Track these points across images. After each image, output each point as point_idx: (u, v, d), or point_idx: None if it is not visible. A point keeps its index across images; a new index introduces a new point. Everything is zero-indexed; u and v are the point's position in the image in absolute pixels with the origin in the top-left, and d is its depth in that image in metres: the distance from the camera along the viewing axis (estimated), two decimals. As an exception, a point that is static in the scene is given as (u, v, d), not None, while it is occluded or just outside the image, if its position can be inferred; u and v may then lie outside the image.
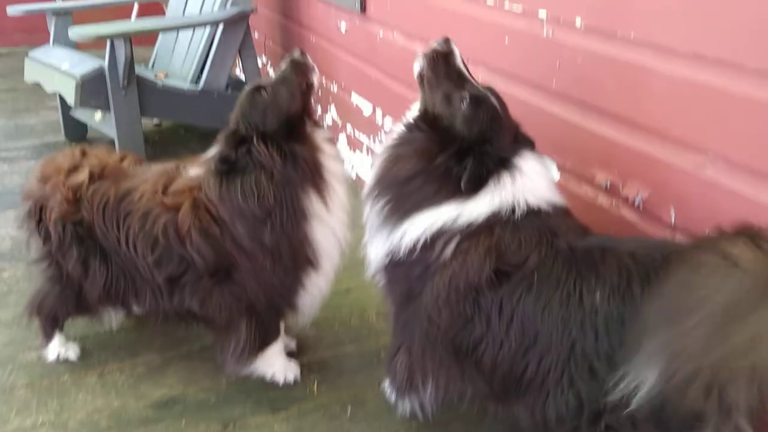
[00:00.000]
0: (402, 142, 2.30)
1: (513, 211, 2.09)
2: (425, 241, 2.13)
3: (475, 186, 2.12)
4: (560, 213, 2.17)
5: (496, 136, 2.18)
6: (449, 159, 2.15)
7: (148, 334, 3.11)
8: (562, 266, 1.96)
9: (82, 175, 2.65)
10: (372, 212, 2.31)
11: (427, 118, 2.28)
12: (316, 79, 2.57)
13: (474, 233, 2.08)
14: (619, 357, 1.80)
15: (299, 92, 2.51)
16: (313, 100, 2.63)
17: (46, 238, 2.67)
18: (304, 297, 2.65)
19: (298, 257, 2.53)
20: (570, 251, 1.99)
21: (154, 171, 2.68)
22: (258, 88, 2.50)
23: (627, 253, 1.90)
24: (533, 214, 2.10)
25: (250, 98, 2.49)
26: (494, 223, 2.08)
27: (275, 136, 2.45)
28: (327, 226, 2.55)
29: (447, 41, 2.31)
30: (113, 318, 2.90)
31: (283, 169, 2.42)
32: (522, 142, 2.27)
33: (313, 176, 2.49)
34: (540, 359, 1.96)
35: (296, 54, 2.56)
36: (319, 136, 2.58)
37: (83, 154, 2.79)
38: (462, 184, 2.11)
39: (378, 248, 2.30)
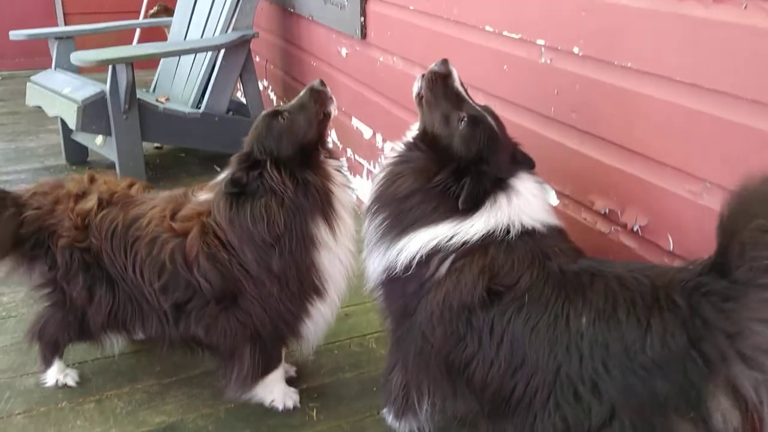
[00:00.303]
0: (401, 161, 2.33)
1: (507, 231, 2.10)
2: (421, 258, 2.15)
3: (472, 205, 2.13)
4: (554, 234, 2.18)
5: (493, 156, 2.20)
6: (447, 178, 2.18)
7: (146, 359, 3.10)
8: (552, 288, 1.97)
9: (91, 202, 2.66)
10: (370, 228, 2.33)
11: (425, 138, 2.31)
12: (333, 109, 2.57)
13: (468, 252, 2.10)
14: (603, 383, 1.81)
15: (316, 120, 2.52)
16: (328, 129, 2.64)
17: (52, 265, 2.66)
18: (308, 325, 2.64)
19: (305, 284, 2.53)
20: (560, 273, 2.00)
21: (163, 197, 2.69)
22: (275, 114, 2.50)
23: (614, 278, 1.91)
24: (527, 234, 2.11)
25: (266, 123, 2.50)
26: (489, 242, 2.09)
27: (289, 163, 2.45)
28: (334, 255, 2.55)
29: (445, 62, 2.34)
30: (115, 344, 2.89)
31: (294, 196, 2.42)
32: (521, 161, 2.29)
33: (323, 205, 2.49)
34: (528, 380, 1.97)
35: (316, 83, 2.57)
36: (332, 165, 2.58)
37: (91, 180, 2.80)
38: (459, 203, 2.13)
39: (376, 263, 2.31)
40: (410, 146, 2.35)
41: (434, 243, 2.14)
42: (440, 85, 2.31)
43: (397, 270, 2.20)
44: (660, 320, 1.77)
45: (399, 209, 2.24)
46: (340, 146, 4.78)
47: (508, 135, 2.31)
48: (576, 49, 2.50)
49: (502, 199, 2.15)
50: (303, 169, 2.47)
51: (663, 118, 2.22)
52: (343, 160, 2.68)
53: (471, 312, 2.05)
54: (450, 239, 2.12)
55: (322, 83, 2.58)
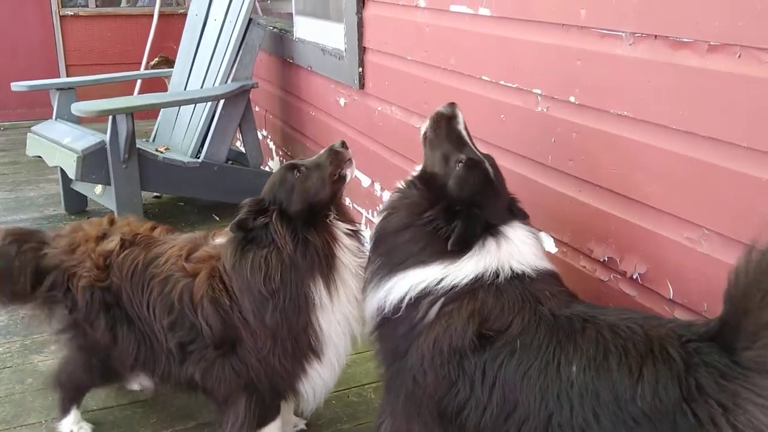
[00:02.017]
0: (398, 197, 2.35)
1: (497, 275, 2.08)
2: (410, 300, 2.13)
3: (462, 248, 2.12)
4: (546, 278, 2.15)
5: (487, 201, 2.20)
6: (437, 216, 2.17)
7: (143, 411, 3.07)
8: (544, 333, 1.94)
9: (113, 242, 2.67)
10: (368, 267, 2.33)
11: (424, 177, 2.32)
12: (350, 172, 2.54)
13: (458, 296, 2.08)
14: None
15: (330, 181, 2.49)
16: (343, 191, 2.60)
17: (73, 307, 2.66)
18: (306, 384, 2.60)
19: (300, 343, 2.49)
20: (552, 318, 1.97)
21: (183, 238, 2.70)
22: (293, 166, 2.49)
23: (607, 325, 1.88)
24: (517, 279, 2.09)
25: (282, 174, 2.49)
26: (478, 286, 2.07)
27: (294, 219, 2.43)
28: (333, 318, 2.50)
29: (452, 105, 2.37)
30: (141, 385, 2.88)
31: (293, 254, 2.40)
32: (516, 214, 2.29)
33: (322, 267, 2.44)
34: (519, 427, 1.92)
35: (337, 144, 2.54)
36: (341, 228, 2.54)
37: (111, 222, 2.82)
38: (449, 245, 2.11)
39: (371, 303, 2.29)
40: (409, 184, 2.36)
41: (423, 285, 2.12)
42: (444, 126, 2.33)
43: (387, 311, 2.18)
44: (653, 370, 1.74)
45: (390, 245, 2.24)
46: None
47: (505, 186, 2.31)
48: (572, 98, 2.52)
49: (491, 244, 2.14)
50: (307, 228, 2.44)
51: (660, 166, 2.22)
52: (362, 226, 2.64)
53: (462, 356, 2.02)
54: (439, 282, 2.11)
55: (344, 144, 2.55)
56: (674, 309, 2.26)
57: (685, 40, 2.08)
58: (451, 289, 2.09)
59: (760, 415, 1.59)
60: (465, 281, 2.09)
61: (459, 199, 2.19)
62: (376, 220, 2.38)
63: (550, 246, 2.77)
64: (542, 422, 1.88)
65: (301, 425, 2.97)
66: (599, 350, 1.83)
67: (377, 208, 4.19)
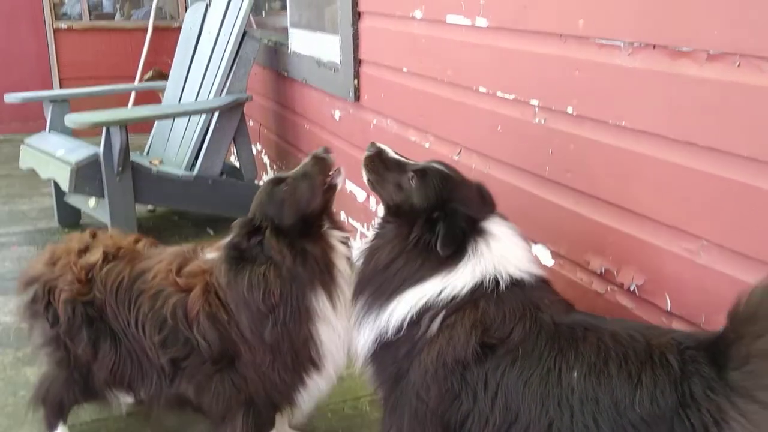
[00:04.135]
0: (375, 238, 2.34)
1: (497, 283, 2.07)
2: (412, 317, 2.12)
3: (452, 245, 2.11)
4: (542, 285, 2.15)
5: (457, 195, 2.21)
6: (421, 232, 2.17)
7: (135, 425, 3.03)
8: (545, 341, 1.94)
9: (96, 256, 2.63)
10: (357, 306, 2.31)
11: (390, 212, 2.33)
12: (340, 180, 2.52)
13: (459, 307, 2.07)
14: None
15: (320, 190, 2.46)
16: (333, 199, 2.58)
17: (54, 321, 2.61)
18: (303, 395, 2.57)
19: (300, 356, 2.46)
20: (554, 326, 1.98)
21: (171, 252, 2.66)
22: (278, 181, 2.47)
23: (608, 333, 1.88)
24: (516, 286, 2.09)
25: (268, 190, 2.46)
26: (479, 296, 2.07)
27: (289, 232, 2.40)
28: (333, 328, 2.48)
29: (372, 144, 2.43)
30: (121, 403, 2.81)
31: (292, 267, 2.37)
32: (488, 199, 2.30)
33: (323, 277, 2.43)
34: None
35: (319, 151, 2.53)
36: (335, 236, 2.52)
37: (93, 236, 2.78)
38: (438, 247, 2.11)
39: (365, 337, 2.27)
40: (380, 225, 2.37)
41: (424, 300, 2.11)
42: (378, 162, 2.37)
43: (389, 334, 2.16)
44: (651, 376, 1.75)
45: (383, 278, 2.22)
46: (334, 209, 4.76)
47: (465, 177, 2.32)
48: (570, 109, 2.52)
49: (481, 245, 2.13)
50: (303, 239, 2.41)
51: (659, 177, 2.22)
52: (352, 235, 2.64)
53: (465, 367, 2.01)
54: (439, 294, 2.10)
55: (326, 150, 2.53)
56: (672, 321, 2.25)
57: (684, 49, 2.08)
58: (451, 301, 2.08)
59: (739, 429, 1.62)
60: (465, 291, 2.08)
61: (431, 207, 2.19)
62: (357, 266, 2.39)
63: (546, 258, 2.76)
64: (543, 430, 1.87)
65: (296, 438, 2.93)
66: (600, 357, 1.84)
67: (372, 222, 4.18)
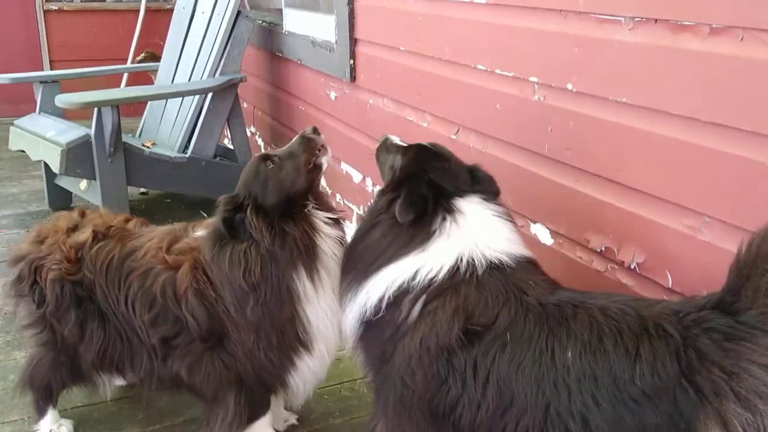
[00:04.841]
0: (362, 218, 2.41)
1: (474, 267, 2.06)
2: (389, 299, 2.11)
3: (408, 210, 2.12)
4: (525, 267, 2.13)
5: (429, 165, 2.23)
6: (388, 202, 2.20)
7: (129, 407, 3.01)
8: (534, 323, 1.92)
9: (85, 235, 2.59)
10: (342, 286, 2.33)
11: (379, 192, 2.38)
12: (326, 160, 2.49)
13: (440, 293, 2.06)
14: (593, 417, 1.76)
15: (305, 170, 2.44)
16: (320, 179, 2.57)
17: (41, 301, 2.57)
18: (295, 377, 2.54)
19: (285, 336, 2.44)
20: (540, 307, 1.96)
21: (162, 230, 2.63)
22: (265, 158, 2.44)
23: (598, 309, 1.87)
24: (497, 269, 2.07)
25: (254, 167, 2.44)
26: (458, 282, 2.05)
27: (271, 211, 2.38)
28: (320, 308, 2.45)
29: (383, 136, 2.53)
30: (107, 386, 2.78)
31: (271, 246, 2.34)
32: (480, 179, 2.29)
33: (304, 257, 2.39)
34: (517, 421, 1.89)
35: (308, 130, 2.50)
36: (320, 217, 2.48)
37: (82, 215, 2.74)
38: (396, 212, 2.12)
39: (350, 316, 2.27)
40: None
41: (399, 281, 2.11)
42: (382, 149, 2.47)
43: (368, 314, 2.16)
44: (650, 348, 1.73)
45: (360, 250, 2.27)
46: (330, 191, 4.74)
47: (455, 156, 2.33)
48: (570, 86, 2.49)
49: (448, 222, 2.13)
50: (284, 219, 2.39)
51: (660, 153, 2.19)
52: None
53: (450, 353, 2.00)
54: (414, 276, 2.09)
55: (315, 131, 2.51)
56: (673, 298, 2.22)
57: (686, 23, 2.05)
58: (429, 285, 2.07)
59: (765, 376, 1.61)
60: (442, 275, 2.07)
61: (406, 178, 2.23)
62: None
63: (546, 237, 2.74)
64: (540, 412, 1.85)
65: (293, 420, 2.92)
66: (593, 333, 1.82)
67: (368, 204, 4.15)
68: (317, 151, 2.47)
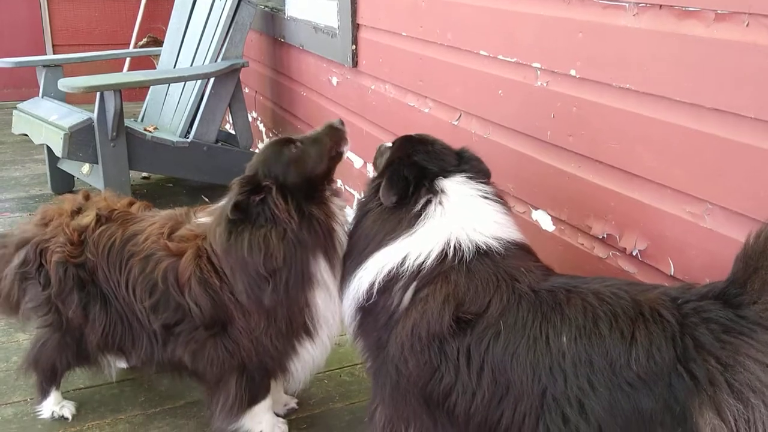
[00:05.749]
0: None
1: (463, 252, 2.06)
2: (380, 285, 2.12)
3: (391, 191, 2.16)
4: (517, 252, 2.12)
5: (413, 150, 2.28)
6: (376, 183, 2.25)
7: (130, 389, 3.02)
8: (527, 310, 1.92)
9: (89, 217, 2.60)
10: (342, 272, 2.38)
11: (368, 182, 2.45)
12: (346, 150, 2.51)
13: (430, 280, 2.06)
14: (589, 402, 1.76)
15: (328, 156, 2.45)
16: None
17: (46, 283, 2.58)
18: (296, 362, 2.54)
19: (295, 323, 2.43)
20: (533, 294, 1.95)
21: (163, 215, 2.63)
22: (287, 141, 2.42)
23: (592, 293, 1.87)
24: (486, 256, 2.07)
25: (275, 148, 2.41)
26: (448, 269, 2.05)
27: (296, 193, 2.35)
28: (330, 295, 2.45)
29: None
30: (113, 367, 2.80)
31: (298, 230, 2.31)
32: (467, 159, 2.31)
33: (326, 243, 2.38)
34: (514, 408, 1.90)
35: (336, 121, 2.52)
36: (336, 204, 2.49)
37: (86, 197, 2.75)
38: (381, 195, 2.16)
39: (347, 304, 2.29)
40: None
41: (388, 267, 2.12)
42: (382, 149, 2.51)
43: (361, 300, 2.18)
44: (645, 333, 1.73)
45: (354, 242, 2.31)
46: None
47: (441, 140, 2.36)
48: (573, 72, 2.47)
49: (434, 204, 2.15)
50: (309, 203, 2.37)
51: (663, 140, 2.18)
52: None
53: (442, 341, 2.00)
54: (402, 262, 2.09)
55: (341, 123, 2.53)
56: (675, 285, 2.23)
57: (691, 9, 2.04)
58: (419, 272, 2.08)
59: (759, 372, 1.61)
60: (431, 261, 2.07)
61: (388, 163, 2.29)
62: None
63: (547, 224, 2.73)
64: (537, 398, 1.86)
65: (292, 404, 2.92)
66: (588, 318, 1.82)
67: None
68: (341, 141, 2.49)
